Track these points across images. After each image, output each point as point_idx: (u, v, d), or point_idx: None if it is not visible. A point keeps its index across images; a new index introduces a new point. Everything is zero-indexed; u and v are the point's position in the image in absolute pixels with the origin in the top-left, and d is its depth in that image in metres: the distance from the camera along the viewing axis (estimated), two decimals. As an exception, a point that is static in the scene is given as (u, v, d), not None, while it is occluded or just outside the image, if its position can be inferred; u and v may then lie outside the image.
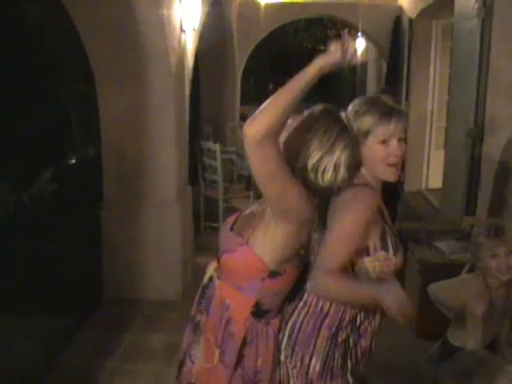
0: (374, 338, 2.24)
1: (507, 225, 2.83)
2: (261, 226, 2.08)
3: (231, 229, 2.22)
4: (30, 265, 5.53)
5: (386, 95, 2.19)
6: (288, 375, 2.19)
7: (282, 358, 2.18)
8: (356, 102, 2.15)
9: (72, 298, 4.90)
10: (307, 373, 2.13)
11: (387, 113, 2.07)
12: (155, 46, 4.63)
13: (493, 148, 4.97)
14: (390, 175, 2.12)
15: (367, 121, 2.08)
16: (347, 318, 2.13)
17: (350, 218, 2.00)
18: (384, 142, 2.08)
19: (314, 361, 2.12)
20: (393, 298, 1.81)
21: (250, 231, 2.11)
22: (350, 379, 2.16)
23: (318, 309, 2.14)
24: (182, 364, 2.35)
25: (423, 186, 8.70)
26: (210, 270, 2.35)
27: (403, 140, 2.11)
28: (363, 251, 2.07)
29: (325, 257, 2.01)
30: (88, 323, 4.67)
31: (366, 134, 2.08)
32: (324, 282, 2.01)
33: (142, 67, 4.70)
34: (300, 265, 2.14)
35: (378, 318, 2.21)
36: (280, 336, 2.20)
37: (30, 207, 7.35)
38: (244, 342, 2.14)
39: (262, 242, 2.06)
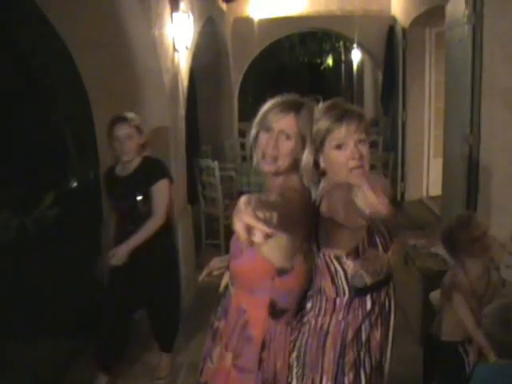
0: (387, 349, 2.22)
1: (472, 213, 3.08)
2: None
3: None
4: (34, 288, 5.52)
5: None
6: None
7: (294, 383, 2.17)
8: (316, 108, 2.15)
9: (76, 319, 4.88)
10: None
11: (339, 117, 2.05)
12: (148, 66, 4.66)
13: (490, 153, 4.96)
14: (355, 180, 2.03)
15: (322, 127, 2.07)
16: (350, 335, 2.11)
17: None
18: (340, 146, 2.05)
19: (324, 381, 2.11)
20: None
21: None
22: None
23: (318, 327, 2.13)
24: (203, 366, 2.38)
25: (424, 194, 8.69)
26: (226, 278, 2.39)
27: (362, 141, 2.06)
28: (353, 253, 2.06)
29: None
30: (92, 345, 4.65)
31: (323, 140, 2.08)
32: None
33: (135, 88, 4.72)
34: (307, 261, 2.14)
35: (382, 329, 2.19)
36: (290, 360, 2.19)
37: (33, 231, 7.35)
38: (263, 346, 2.15)
39: (264, 246, 2.07)
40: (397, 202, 8.71)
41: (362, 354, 2.13)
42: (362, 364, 2.13)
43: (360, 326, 2.12)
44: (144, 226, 3.75)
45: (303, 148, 2.10)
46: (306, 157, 2.10)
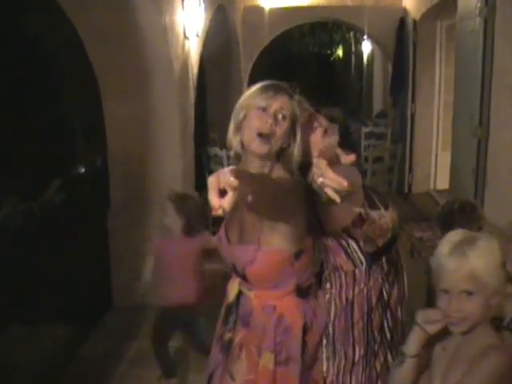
0: (403, 302, 2.31)
1: (477, 205, 3.00)
2: (265, 227, 2.05)
3: (229, 241, 2.21)
4: (39, 273, 5.57)
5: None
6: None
7: (325, 368, 2.19)
8: None
9: (81, 305, 4.92)
10: (353, 362, 2.16)
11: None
12: (158, 53, 4.66)
13: (498, 147, 4.95)
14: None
15: None
16: (374, 300, 2.16)
17: None
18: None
19: (357, 350, 2.16)
20: None
21: (257, 236, 2.08)
22: (389, 354, 2.20)
23: (344, 302, 2.16)
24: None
25: (431, 186, 8.67)
26: (234, 287, 2.30)
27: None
28: (358, 220, 2.06)
29: None
30: (97, 330, 4.69)
31: None
32: None
33: (145, 75, 4.73)
34: (310, 233, 2.14)
35: (398, 286, 2.26)
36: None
37: (40, 216, 7.41)
38: (305, 329, 2.14)
39: (274, 238, 2.05)
40: (404, 194, 8.71)
41: (385, 314, 2.20)
42: (386, 323, 2.21)
43: (381, 289, 2.18)
44: None
45: (292, 134, 2.10)
46: (298, 147, 2.11)
